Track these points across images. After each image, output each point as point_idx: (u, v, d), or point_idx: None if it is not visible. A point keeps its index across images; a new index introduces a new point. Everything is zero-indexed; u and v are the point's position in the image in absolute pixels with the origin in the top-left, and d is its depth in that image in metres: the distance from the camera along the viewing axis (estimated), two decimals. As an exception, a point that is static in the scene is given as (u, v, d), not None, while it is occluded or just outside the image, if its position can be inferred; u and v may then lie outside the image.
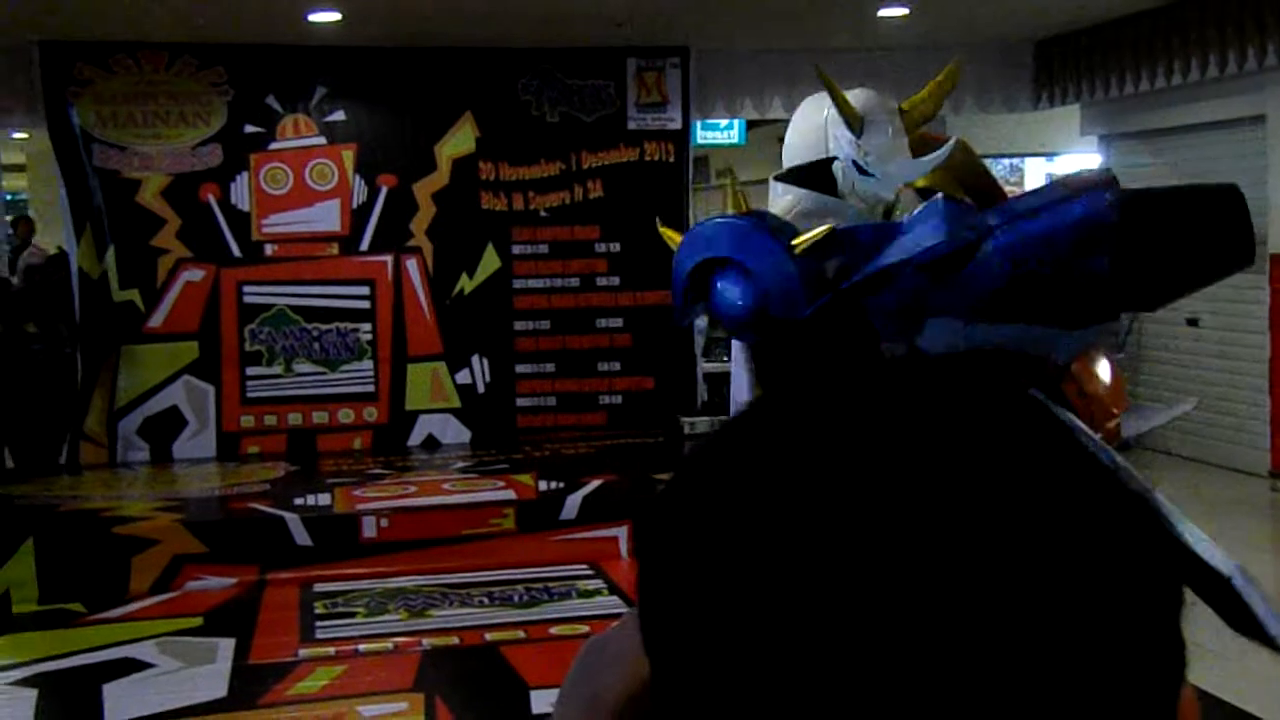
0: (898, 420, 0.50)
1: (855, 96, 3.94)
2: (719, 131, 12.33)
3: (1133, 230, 2.93)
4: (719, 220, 3.96)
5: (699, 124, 10.56)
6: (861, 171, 3.83)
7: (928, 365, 0.54)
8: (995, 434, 0.50)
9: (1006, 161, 14.18)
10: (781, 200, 3.92)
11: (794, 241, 3.47)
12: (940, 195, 3.47)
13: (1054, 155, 13.78)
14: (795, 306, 3.36)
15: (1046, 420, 0.51)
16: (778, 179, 4.07)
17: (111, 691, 5.33)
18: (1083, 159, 12.91)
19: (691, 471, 0.53)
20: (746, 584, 0.48)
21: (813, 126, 4.03)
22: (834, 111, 3.91)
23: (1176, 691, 0.50)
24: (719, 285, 3.62)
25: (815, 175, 3.85)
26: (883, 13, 8.39)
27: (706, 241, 3.78)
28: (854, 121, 3.88)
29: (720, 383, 9.81)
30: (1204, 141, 8.95)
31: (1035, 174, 14.34)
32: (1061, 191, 3.13)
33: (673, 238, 4.02)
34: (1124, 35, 8.87)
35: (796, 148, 4.07)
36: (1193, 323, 9.19)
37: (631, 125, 9.36)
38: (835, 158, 3.90)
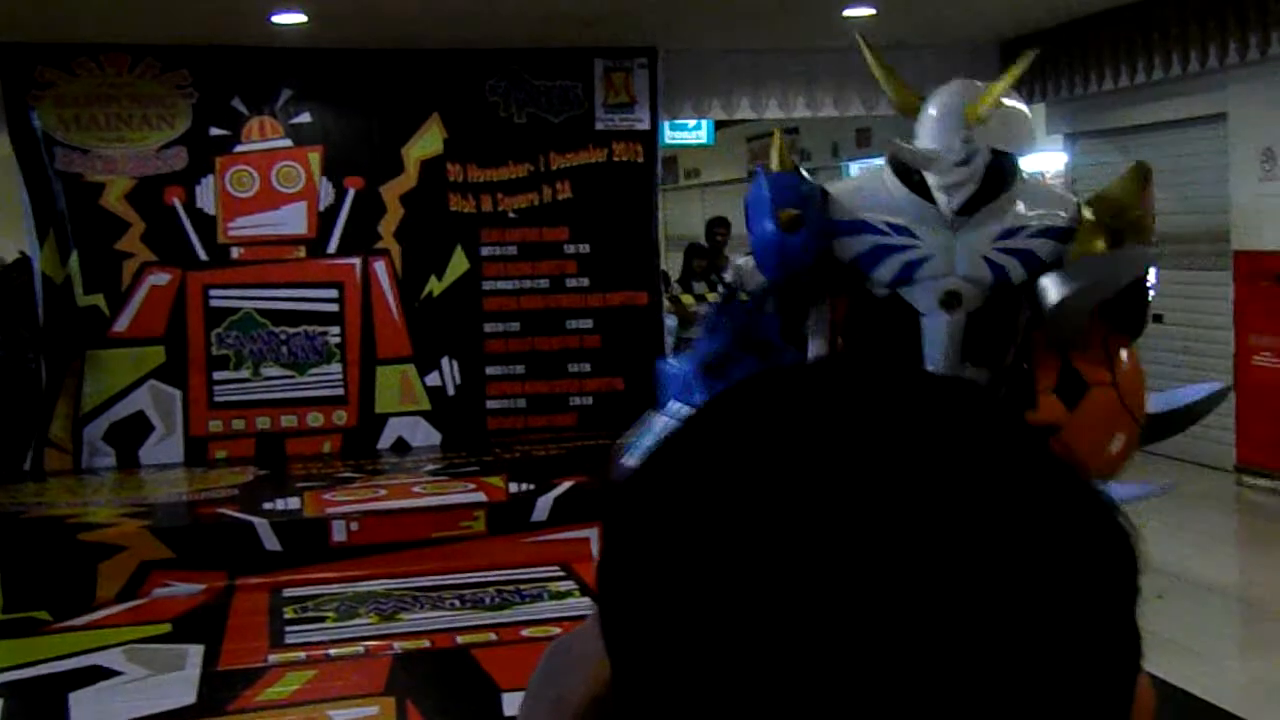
0: (849, 417, 0.50)
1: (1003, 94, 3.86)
2: (687, 132, 12.37)
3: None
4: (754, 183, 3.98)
5: (667, 124, 10.57)
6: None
7: (877, 362, 0.54)
8: (949, 428, 0.50)
9: (973, 160, 14.28)
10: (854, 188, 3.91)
11: (781, 214, 3.55)
12: None
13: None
14: (788, 267, 3.52)
15: (999, 414, 0.51)
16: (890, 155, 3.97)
17: (78, 700, 5.28)
18: (1049, 157, 13.00)
19: (650, 471, 0.53)
20: (705, 583, 0.47)
21: (938, 114, 3.97)
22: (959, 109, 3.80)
23: (1134, 679, 0.51)
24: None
25: (903, 166, 3.85)
26: (848, 12, 8.41)
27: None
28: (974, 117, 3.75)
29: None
30: (1167, 139, 9.02)
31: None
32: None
33: (782, 152, 4.01)
34: (1089, 34, 8.93)
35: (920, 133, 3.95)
36: (1157, 319, 9.25)
37: (599, 126, 9.36)
38: (935, 155, 3.82)
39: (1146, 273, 3.59)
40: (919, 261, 3.52)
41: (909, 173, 3.67)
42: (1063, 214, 3.70)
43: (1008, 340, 3.67)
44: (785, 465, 0.48)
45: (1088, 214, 3.68)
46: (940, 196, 3.58)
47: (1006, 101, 3.92)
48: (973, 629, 0.46)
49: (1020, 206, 3.66)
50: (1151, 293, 3.74)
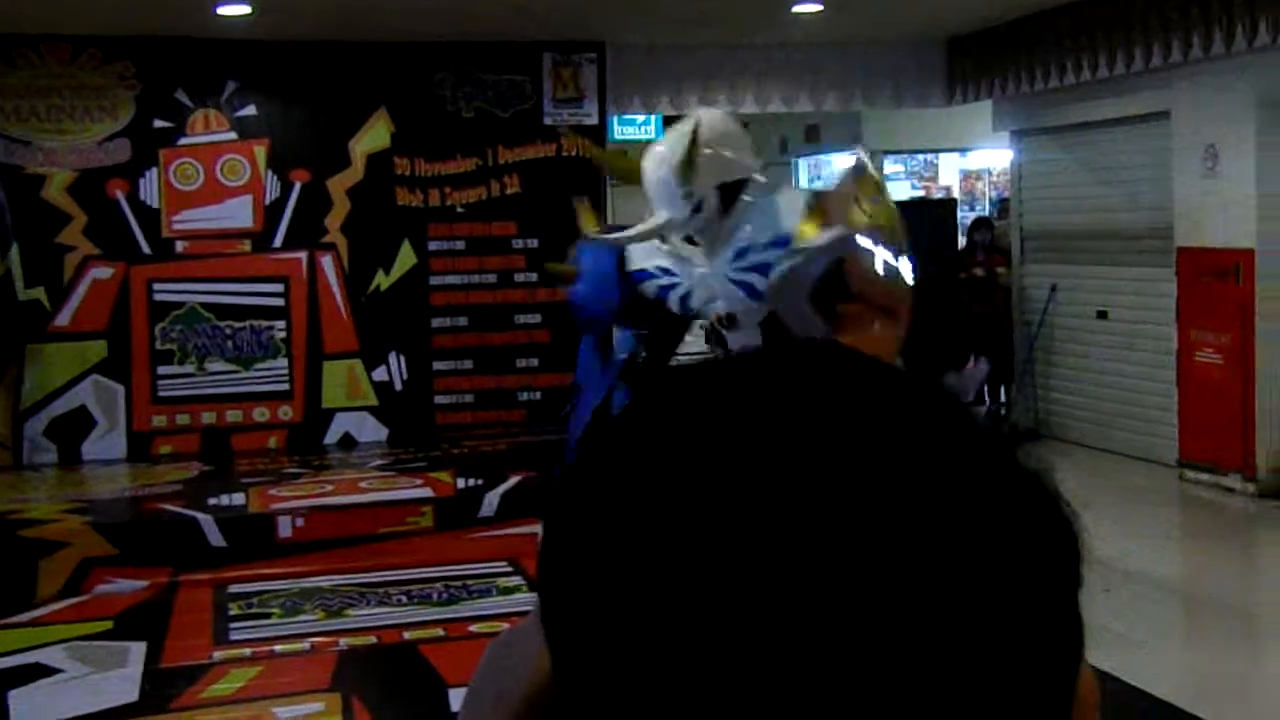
0: (789, 406, 0.49)
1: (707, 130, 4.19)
2: (636, 127, 12.36)
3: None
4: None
5: (616, 119, 10.57)
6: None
7: (811, 349, 0.54)
8: (888, 415, 0.49)
9: (921, 157, 14.38)
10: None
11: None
12: None
13: (967, 150, 14.00)
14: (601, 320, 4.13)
15: (938, 397, 0.51)
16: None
17: (19, 698, 5.22)
18: (995, 154, 13.12)
19: (590, 462, 0.52)
20: (644, 576, 0.47)
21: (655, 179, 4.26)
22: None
23: (1076, 669, 0.50)
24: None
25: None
26: (796, 9, 8.44)
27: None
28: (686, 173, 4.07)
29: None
30: (1111, 137, 9.14)
31: (949, 169, 14.57)
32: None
33: (590, 220, 4.31)
34: (1035, 32, 9.02)
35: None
36: (1102, 315, 9.38)
37: (548, 120, 9.33)
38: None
39: (849, 252, 3.80)
40: (688, 294, 4.01)
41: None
42: (788, 221, 3.97)
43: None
44: (723, 455, 0.48)
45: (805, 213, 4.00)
46: (697, 248, 4.00)
47: (710, 135, 4.14)
48: (911, 615, 0.45)
49: (748, 227, 3.97)
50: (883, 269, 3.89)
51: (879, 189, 3.98)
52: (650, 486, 0.48)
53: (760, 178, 4.31)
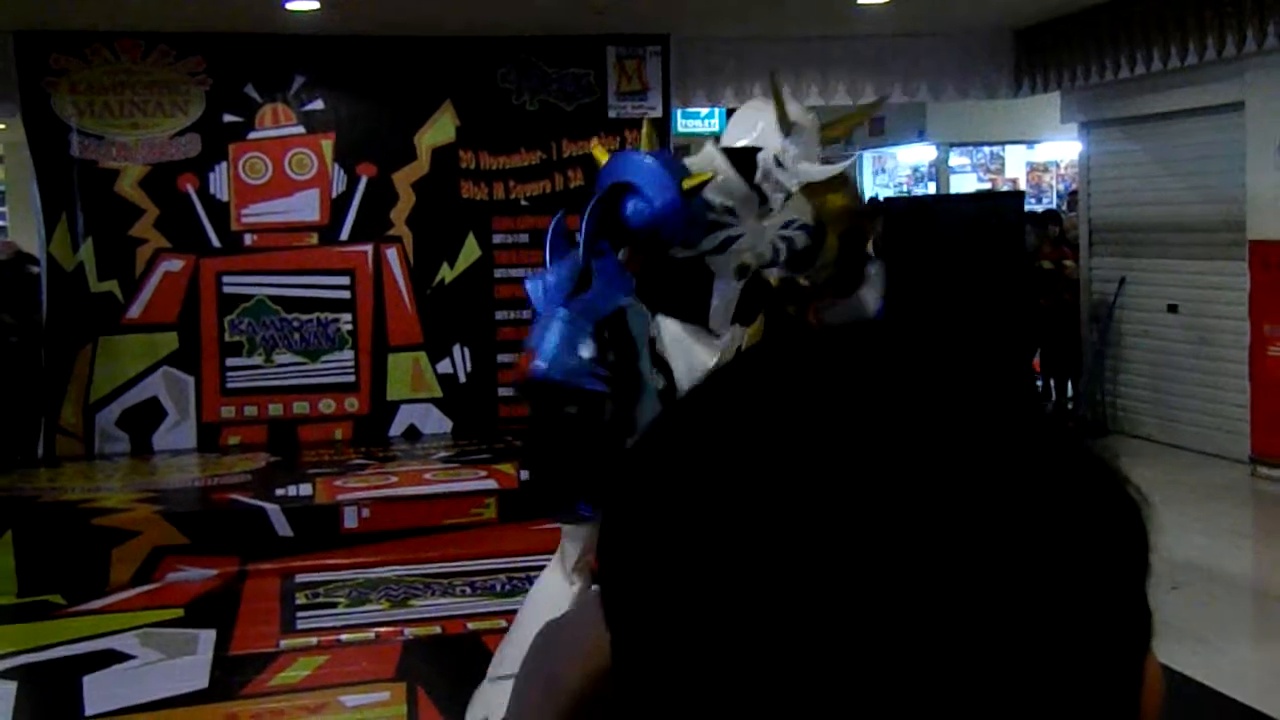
0: (856, 390, 0.49)
1: (790, 107, 4.45)
2: (699, 120, 12.35)
3: None
4: (634, 155, 4.43)
5: (679, 112, 10.56)
6: (778, 165, 4.32)
7: (878, 332, 0.53)
8: (952, 401, 0.49)
9: (987, 149, 14.24)
10: (706, 165, 4.20)
11: (684, 182, 4.06)
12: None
13: (1034, 143, 13.84)
14: (676, 234, 4.06)
15: (1006, 385, 0.51)
16: (718, 148, 4.38)
17: (92, 683, 5.31)
18: (1063, 146, 12.97)
19: (650, 447, 0.52)
20: (709, 561, 0.47)
21: (753, 122, 4.52)
22: (772, 113, 4.41)
23: (1143, 658, 0.50)
24: (630, 204, 4.18)
25: (741, 158, 4.28)
26: (863, 0, 8.38)
27: (620, 171, 4.34)
28: (786, 125, 4.34)
29: (702, 371, 9.83)
30: (1183, 128, 8.98)
31: (1015, 161, 14.41)
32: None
33: (601, 158, 4.48)
34: (1105, 22, 8.89)
35: (735, 134, 4.53)
36: (1172, 309, 9.24)
37: (612, 114, 9.34)
38: (761, 149, 4.32)
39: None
40: (735, 238, 4.13)
41: (743, 166, 4.24)
42: (806, 213, 4.30)
43: (758, 307, 4.34)
44: (791, 439, 0.48)
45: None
46: (777, 195, 4.22)
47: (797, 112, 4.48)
48: (981, 602, 0.45)
49: (798, 203, 4.28)
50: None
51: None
52: (718, 470, 0.48)
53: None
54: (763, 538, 0.46)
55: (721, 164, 4.23)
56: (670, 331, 4.17)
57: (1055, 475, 0.48)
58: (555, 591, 4.11)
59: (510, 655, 4.19)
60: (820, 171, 4.38)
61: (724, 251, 4.15)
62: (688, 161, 4.31)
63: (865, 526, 0.45)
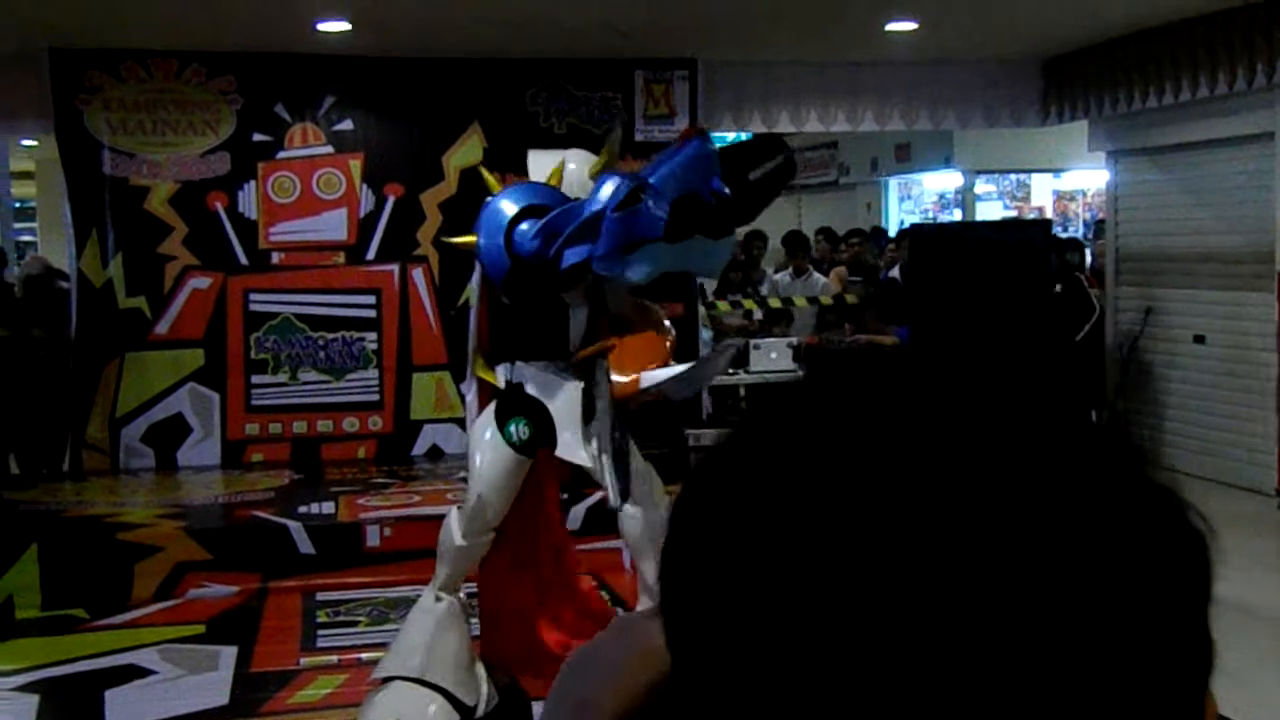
0: (922, 412, 0.49)
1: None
2: (726, 144, 12.35)
3: (727, 159, 4.05)
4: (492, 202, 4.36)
5: (706, 137, 10.55)
6: None
7: (934, 358, 0.54)
8: (1021, 427, 0.49)
9: (1013, 177, 14.21)
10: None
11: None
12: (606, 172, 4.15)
13: (1061, 171, 13.81)
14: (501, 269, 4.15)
15: (1068, 415, 0.51)
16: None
17: (113, 698, 5.33)
18: (1090, 175, 12.94)
19: (717, 466, 0.52)
20: (775, 576, 0.47)
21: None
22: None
23: (1205, 685, 0.50)
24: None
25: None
26: (891, 27, 8.40)
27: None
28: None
29: (725, 395, 9.81)
30: (1212, 158, 8.95)
31: (1042, 190, 14.38)
32: (674, 148, 4.08)
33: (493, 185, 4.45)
34: (1133, 52, 8.88)
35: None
36: (1199, 340, 9.19)
37: (639, 137, 9.37)
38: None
39: None
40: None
41: None
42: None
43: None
44: (856, 459, 0.48)
45: None
46: None
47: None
48: (1047, 630, 0.45)
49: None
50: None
51: None
52: (784, 487, 0.48)
53: None
54: (830, 562, 0.46)
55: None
56: (532, 375, 4.30)
57: (1121, 505, 0.48)
58: (425, 608, 4.56)
59: (389, 661, 4.57)
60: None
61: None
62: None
63: (927, 551, 0.45)
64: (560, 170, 4.33)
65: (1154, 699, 0.47)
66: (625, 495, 4.15)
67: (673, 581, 0.52)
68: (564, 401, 4.27)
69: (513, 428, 4.30)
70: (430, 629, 4.46)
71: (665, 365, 4.15)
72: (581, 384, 4.26)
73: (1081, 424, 0.51)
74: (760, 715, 0.47)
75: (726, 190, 4.02)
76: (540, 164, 4.44)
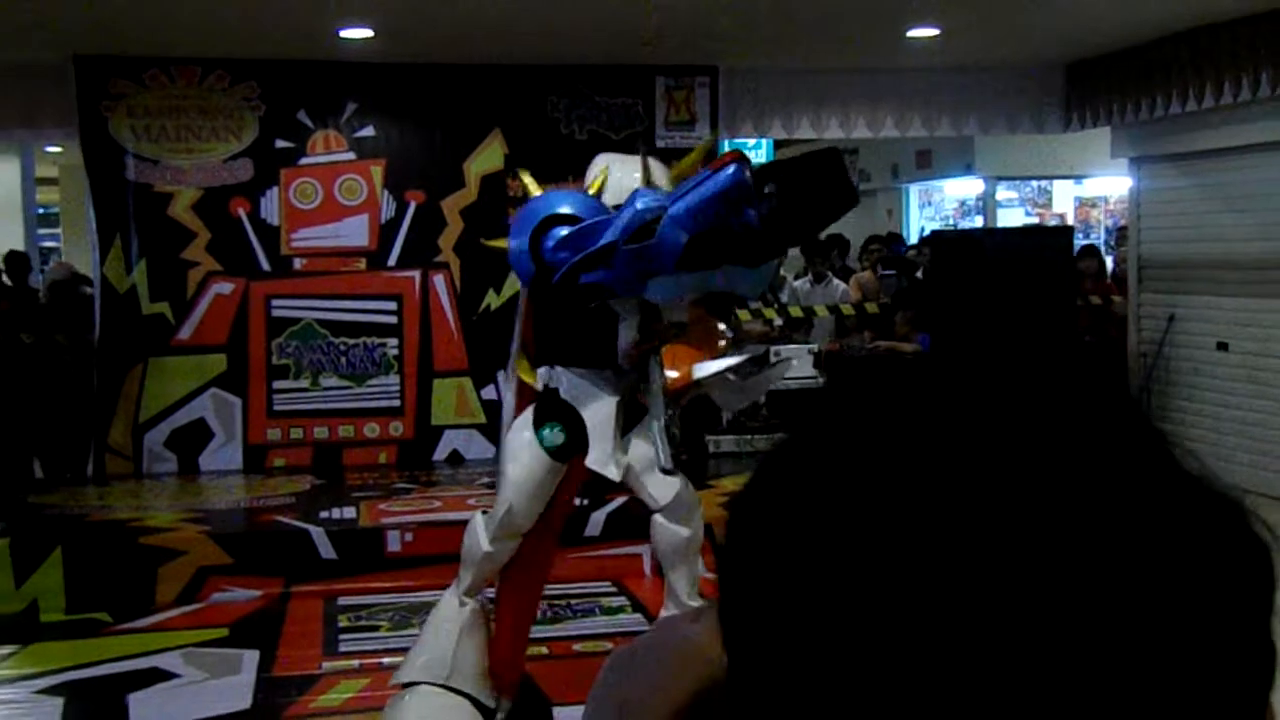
0: (981, 416, 0.50)
1: (654, 170, 4.38)
2: (747, 151, 12.36)
3: (763, 187, 3.82)
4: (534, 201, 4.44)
5: (727, 143, 10.57)
6: None
7: (1000, 361, 0.54)
8: (1080, 433, 0.49)
9: (1035, 183, 14.17)
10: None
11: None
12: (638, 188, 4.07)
13: (1083, 178, 13.77)
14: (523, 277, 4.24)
15: (1130, 419, 0.51)
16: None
17: (137, 701, 5.35)
18: (1111, 181, 12.89)
19: (777, 467, 0.53)
20: (840, 577, 0.47)
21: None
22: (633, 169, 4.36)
23: (1267, 695, 0.50)
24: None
25: None
26: (912, 33, 8.39)
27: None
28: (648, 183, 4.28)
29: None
30: (1236, 165, 8.91)
31: (1063, 196, 14.34)
32: (708, 172, 3.89)
33: (532, 189, 4.56)
34: (1156, 58, 8.85)
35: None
36: (1222, 347, 9.14)
37: (660, 143, 9.36)
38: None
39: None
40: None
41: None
42: None
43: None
44: (917, 456, 0.48)
45: None
46: None
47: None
48: (1112, 636, 0.45)
49: None
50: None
51: None
52: (847, 488, 0.49)
53: None
54: (897, 562, 0.46)
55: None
56: (568, 380, 4.31)
57: (1185, 512, 0.48)
58: (450, 613, 4.53)
59: (413, 665, 4.56)
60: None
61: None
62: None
63: (986, 554, 0.45)
64: (605, 176, 4.32)
65: (1217, 708, 0.46)
66: (672, 464, 4.13)
67: (734, 583, 0.53)
68: (597, 412, 4.27)
69: (546, 432, 4.31)
70: (455, 634, 4.45)
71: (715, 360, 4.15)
72: (617, 398, 4.26)
73: (1146, 434, 0.50)
74: (820, 713, 0.47)
75: (757, 221, 3.82)
76: (607, 168, 4.41)
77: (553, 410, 4.31)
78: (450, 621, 4.50)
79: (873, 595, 0.46)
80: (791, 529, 0.50)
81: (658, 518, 4.46)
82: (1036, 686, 0.44)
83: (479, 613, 4.54)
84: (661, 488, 4.41)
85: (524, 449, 4.34)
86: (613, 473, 4.30)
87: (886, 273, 10.44)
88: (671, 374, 4.07)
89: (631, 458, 4.36)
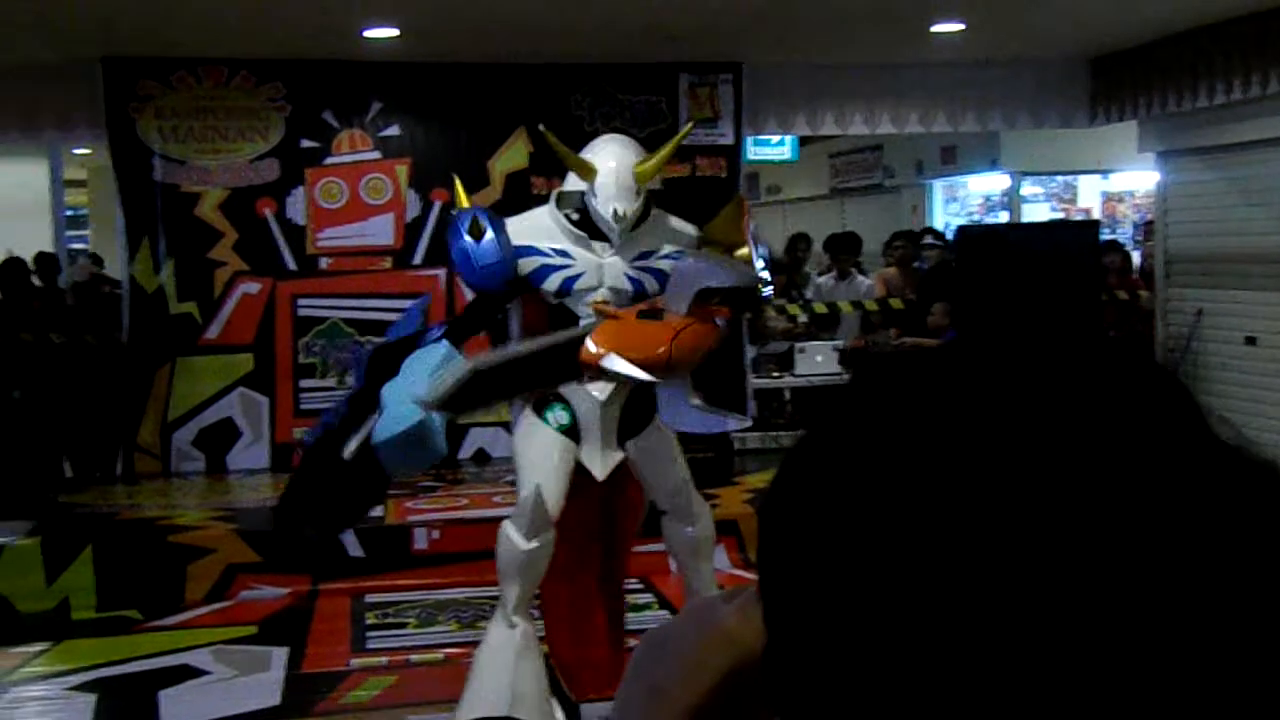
0: (1012, 385, 0.50)
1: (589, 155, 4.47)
2: (771, 148, 12.35)
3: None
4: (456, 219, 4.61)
5: (751, 140, 10.56)
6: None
7: (1043, 347, 0.54)
8: (1127, 414, 0.49)
9: (1060, 179, 14.09)
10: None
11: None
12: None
13: (1109, 172, 13.68)
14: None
15: (1175, 400, 0.50)
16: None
17: (167, 698, 5.40)
18: (1138, 176, 12.81)
19: (815, 447, 0.53)
20: (879, 558, 0.47)
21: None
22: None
23: None
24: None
25: (566, 200, 4.50)
26: (937, 28, 8.36)
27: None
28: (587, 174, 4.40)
29: (771, 398, 9.80)
30: (1264, 158, 8.84)
31: (1089, 191, 14.26)
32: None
33: (462, 199, 4.71)
34: (1183, 51, 8.79)
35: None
36: (1250, 341, 9.08)
37: (684, 141, 9.36)
38: (584, 191, 4.44)
39: (756, 288, 4.39)
40: (575, 277, 4.35)
41: (569, 208, 4.44)
42: (685, 241, 4.49)
43: None
44: (962, 446, 0.48)
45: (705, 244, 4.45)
46: (612, 234, 4.34)
47: (636, 147, 4.61)
48: (1161, 621, 0.44)
49: (650, 235, 4.44)
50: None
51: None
52: (892, 466, 0.49)
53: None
54: (944, 543, 0.46)
55: (542, 211, 4.50)
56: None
57: (1231, 491, 0.48)
58: (500, 640, 4.36)
59: (472, 701, 4.37)
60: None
61: (570, 293, 4.37)
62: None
63: (1039, 538, 0.45)
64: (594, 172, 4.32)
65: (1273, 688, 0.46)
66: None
67: (773, 564, 0.53)
68: (585, 408, 4.36)
69: (550, 415, 4.35)
70: (511, 662, 4.31)
71: (645, 364, 4.01)
72: (603, 398, 4.30)
73: (1196, 413, 0.50)
74: (863, 694, 0.48)
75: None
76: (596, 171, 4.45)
77: (553, 395, 4.37)
78: (502, 650, 4.34)
79: (910, 569, 0.46)
80: (829, 505, 0.50)
81: (666, 519, 4.49)
82: (1081, 659, 0.44)
83: (530, 634, 4.41)
84: (666, 489, 4.44)
85: (533, 433, 4.37)
86: (597, 470, 4.35)
87: (926, 253, 10.37)
88: (590, 346, 4.01)
89: (638, 458, 4.40)
